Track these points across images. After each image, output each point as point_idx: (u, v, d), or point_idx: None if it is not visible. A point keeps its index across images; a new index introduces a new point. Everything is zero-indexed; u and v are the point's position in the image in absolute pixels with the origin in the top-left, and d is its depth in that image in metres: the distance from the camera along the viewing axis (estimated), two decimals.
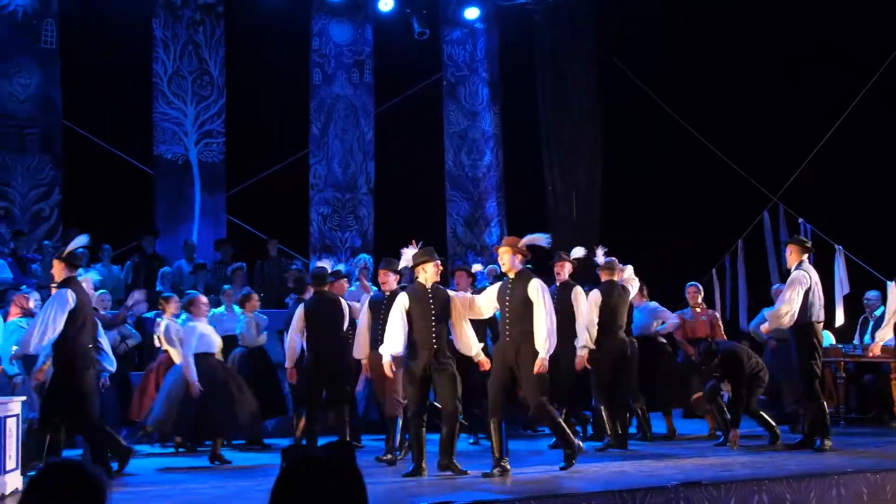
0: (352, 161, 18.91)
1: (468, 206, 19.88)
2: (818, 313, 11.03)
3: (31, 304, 11.21)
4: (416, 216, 18.39)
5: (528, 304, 9.28)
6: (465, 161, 19.91)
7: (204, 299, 11.67)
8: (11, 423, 8.52)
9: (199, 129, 17.70)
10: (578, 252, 12.33)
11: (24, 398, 9.34)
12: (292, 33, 18.48)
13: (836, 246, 16.21)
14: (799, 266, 11.07)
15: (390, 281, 11.16)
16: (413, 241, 9.85)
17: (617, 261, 12.05)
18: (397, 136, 19.00)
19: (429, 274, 9.60)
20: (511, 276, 9.48)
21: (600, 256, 12.09)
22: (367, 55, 19.20)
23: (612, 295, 11.74)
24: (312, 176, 18.70)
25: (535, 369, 9.15)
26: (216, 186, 17.83)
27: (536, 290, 9.27)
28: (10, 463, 8.57)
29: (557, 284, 11.77)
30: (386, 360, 9.67)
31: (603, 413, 11.59)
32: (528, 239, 9.62)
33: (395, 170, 18.82)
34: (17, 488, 8.60)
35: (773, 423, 11.74)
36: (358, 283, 13.82)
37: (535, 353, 9.17)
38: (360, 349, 11.17)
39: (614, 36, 18.96)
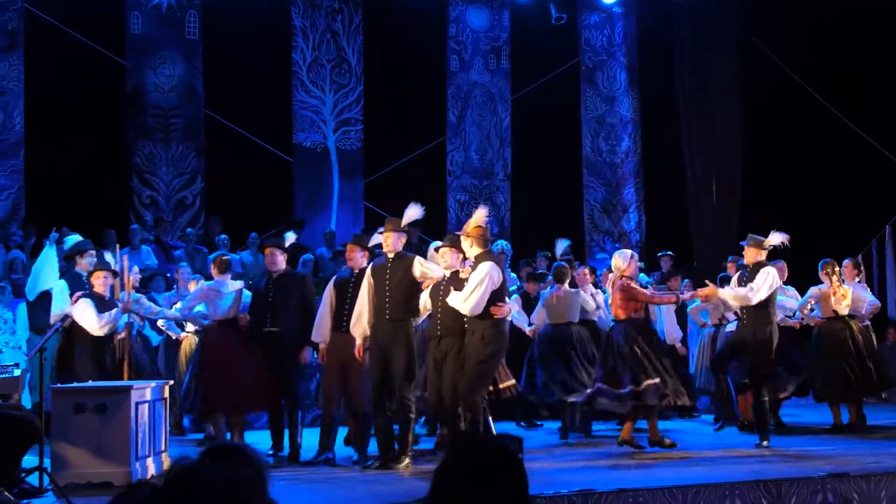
0: (489, 147, 18.88)
1: (605, 192, 19.67)
2: None
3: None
4: (552, 202, 18.33)
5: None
6: (602, 146, 19.70)
7: None
8: (144, 410, 8.55)
9: (337, 116, 17.87)
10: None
11: (152, 383, 9.13)
12: (429, 20, 18.50)
13: None
14: None
15: None
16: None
17: None
18: (534, 122, 18.86)
19: None
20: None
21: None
22: (504, 41, 19.14)
23: None
24: (449, 163, 18.74)
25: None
26: (354, 174, 18.00)
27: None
28: (146, 448, 8.62)
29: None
30: None
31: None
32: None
33: (532, 156, 18.72)
34: (152, 474, 8.70)
35: None
36: None
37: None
38: None
39: (755, 17, 18.54)
